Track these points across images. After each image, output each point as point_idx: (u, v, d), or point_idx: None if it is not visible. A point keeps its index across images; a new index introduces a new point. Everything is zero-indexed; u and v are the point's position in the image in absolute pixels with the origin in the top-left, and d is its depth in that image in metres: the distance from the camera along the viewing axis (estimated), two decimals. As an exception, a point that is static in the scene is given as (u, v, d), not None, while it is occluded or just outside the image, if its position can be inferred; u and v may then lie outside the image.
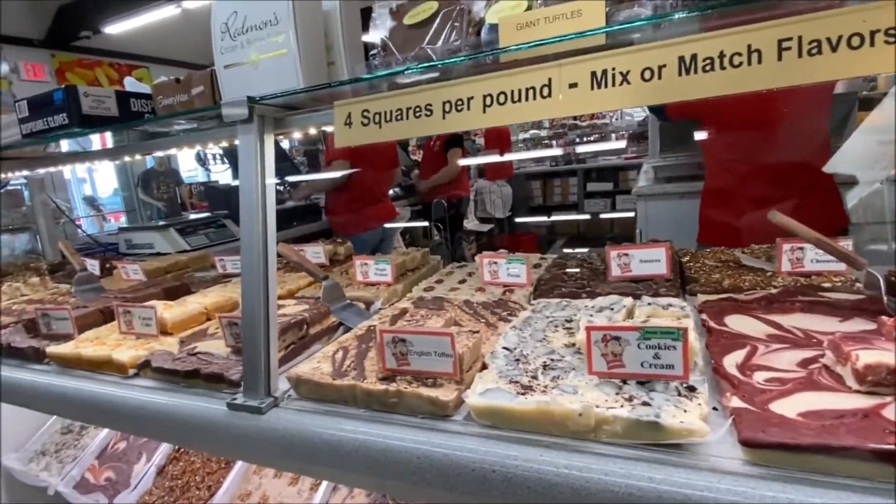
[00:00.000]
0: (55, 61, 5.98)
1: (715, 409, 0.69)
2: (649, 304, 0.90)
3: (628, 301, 0.93)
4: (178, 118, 0.99)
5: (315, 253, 1.72)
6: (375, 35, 0.90)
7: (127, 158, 1.22)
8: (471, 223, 6.12)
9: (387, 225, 3.59)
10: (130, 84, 1.13)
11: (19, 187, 2.55)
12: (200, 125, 1.07)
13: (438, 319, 1.00)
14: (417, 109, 0.70)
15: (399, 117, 0.72)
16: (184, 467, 1.65)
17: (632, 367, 0.71)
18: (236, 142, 0.92)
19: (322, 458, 0.78)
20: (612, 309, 0.91)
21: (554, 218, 8.56)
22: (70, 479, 1.76)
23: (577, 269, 1.36)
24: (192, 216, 3.20)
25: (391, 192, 5.85)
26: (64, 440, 1.94)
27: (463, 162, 4.54)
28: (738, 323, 0.85)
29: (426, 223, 5.03)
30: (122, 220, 6.62)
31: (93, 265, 1.84)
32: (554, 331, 0.96)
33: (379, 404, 0.80)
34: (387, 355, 0.83)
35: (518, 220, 7.69)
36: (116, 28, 5.40)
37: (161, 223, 2.87)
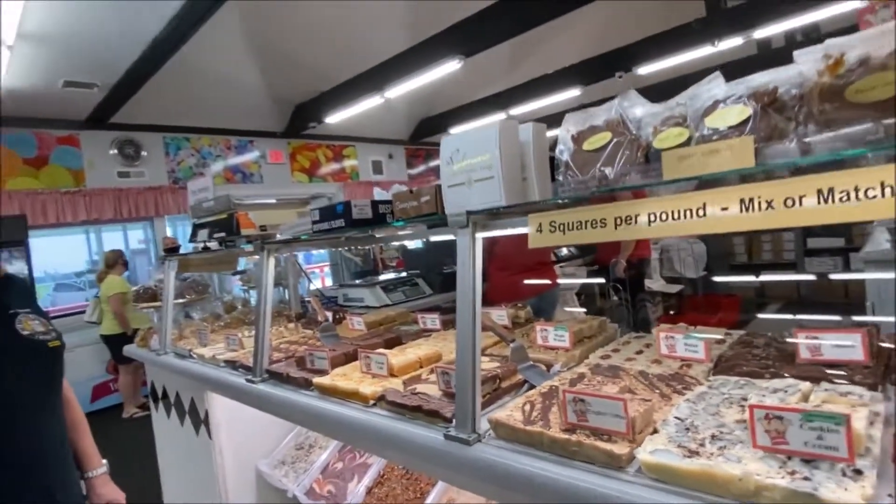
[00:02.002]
0: (290, 147, 7.91)
1: (890, 496, 0.77)
2: (826, 389, 0.98)
3: (805, 386, 1.02)
4: (412, 221, 1.46)
5: (499, 316, 2.06)
6: (560, 154, 1.23)
7: (375, 246, 1.75)
8: (656, 283, 5.89)
9: (562, 281, 3.73)
10: (378, 193, 1.66)
11: (277, 252, 3.55)
12: (425, 221, 1.51)
13: (613, 386, 1.22)
14: (594, 222, 0.98)
15: (579, 227, 1.00)
16: (387, 491, 2.07)
17: (795, 445, 0.83)
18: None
19: (517, 487, 1.05)
20: (785, 391, 1.01)
21: (764, 278, 7.66)
22: (302, 487, 2.32)
23: (764, 349, 1.42)
24: (392, 275, 3.92)
25: (564, 250, 6.02)
26: (297, 455, 2.57)
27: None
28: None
29: (602, 281, 5.08)
30: (327, 272, 8.14)
31: (328, 316, 2.49)
32: (728, 407, 1.09)
33: (561, 450, 1.05)
34: (569, 411, 1.07)
35: (717, 279, 7.09)
36: (335, 118, 6.95)
37: (369, 281, 3.61)
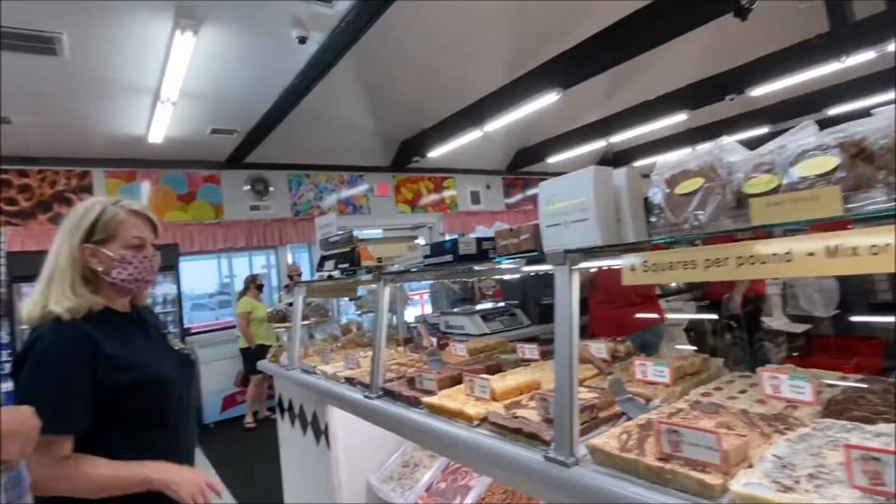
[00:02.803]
0: (395, 180, 8.52)
1: None
2: (938, 437, 0.97)
3: (916, 431, 1.01)
4: (512, 257, 1.63)
5: (598, 349, 2.14)
6: (654, 196, 1.33)
7: (473, 279, 1.94)
8: (777, 321, 5.45)
9: (669, 316, 3.61)
10: (480, 231, 1.86)
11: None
12: (524, 258, 1.67)
13: (710, 421, 1.27)
14: (685, 263, 1.07)
15: (671, 267, 1.10)
16: (486, 514, 2.20)
17: (893, 487, 0.86)
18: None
19: (612, 509, 1.15)
20: (890, 436, 1.01)
21: (916, 319, 6.68)
22: (408, 503, 2.53)
23: (881, 395, 1.37)
24: (490, 305, 4.10)
25: (673, 284, 5.80)
26: (403, 472, 2.79)
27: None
28: None
29: (714, 317, 4.83)
30: (426, 298, 8.53)
31: (434, 342, 2.71)
32: (832, 449, 1.10)
33: (656, 477, 1.13)
34: (663, 441, 1.15)
35: (854, 319, 6.34)
36: (436, 152, 7.41)
37: (469, 310, 3.83)
